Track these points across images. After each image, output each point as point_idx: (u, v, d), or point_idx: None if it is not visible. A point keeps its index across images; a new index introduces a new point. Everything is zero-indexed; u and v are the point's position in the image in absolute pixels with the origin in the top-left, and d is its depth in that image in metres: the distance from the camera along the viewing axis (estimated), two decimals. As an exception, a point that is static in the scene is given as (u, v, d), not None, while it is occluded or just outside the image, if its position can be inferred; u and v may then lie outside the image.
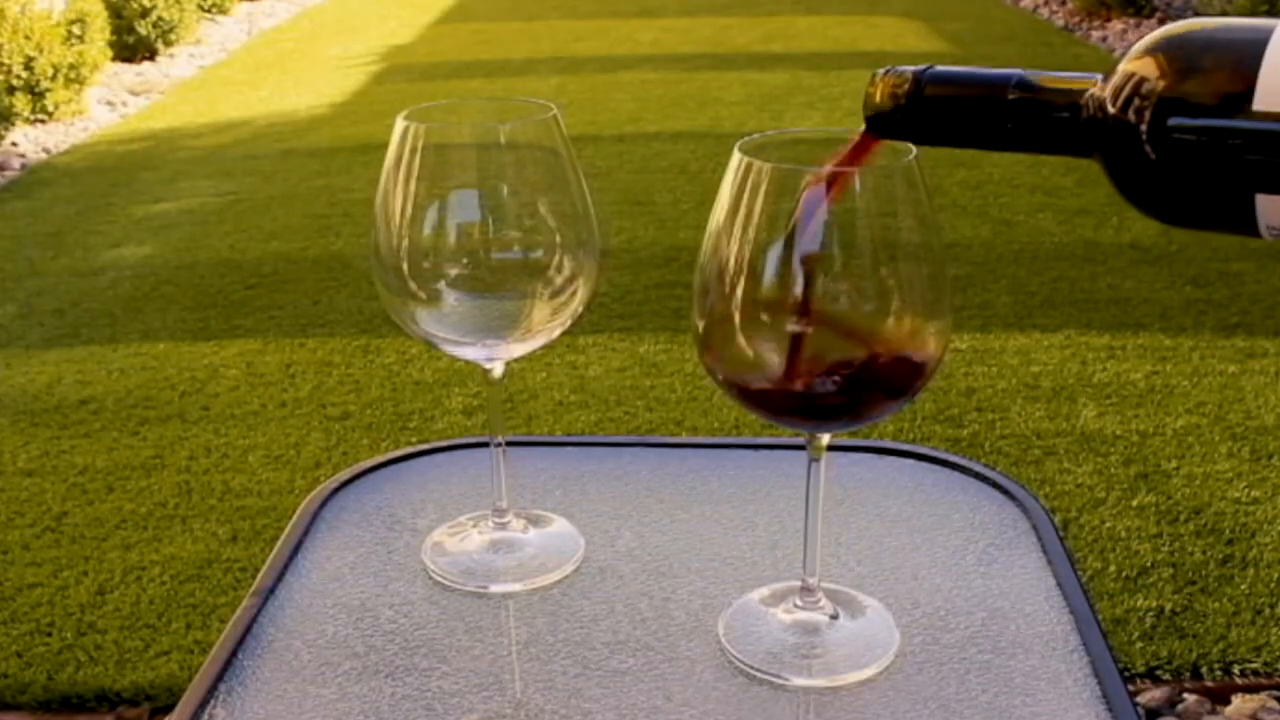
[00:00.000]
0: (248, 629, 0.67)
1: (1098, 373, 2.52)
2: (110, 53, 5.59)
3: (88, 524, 2.10)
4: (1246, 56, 0.44)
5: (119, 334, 2.88)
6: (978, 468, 0.81)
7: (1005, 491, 0.78)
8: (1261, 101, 0.44)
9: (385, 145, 0.64)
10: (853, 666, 0.63)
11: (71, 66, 4.91)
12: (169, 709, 1.65)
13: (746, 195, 0.56)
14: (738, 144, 0.57)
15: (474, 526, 0.75)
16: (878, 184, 0.55)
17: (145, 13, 5.98)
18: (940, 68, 0.55)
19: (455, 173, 0.65)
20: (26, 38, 4.69)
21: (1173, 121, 0.46)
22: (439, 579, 0.71)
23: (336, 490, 0.81)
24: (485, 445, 0.74)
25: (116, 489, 2.21)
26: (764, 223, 0.55)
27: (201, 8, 6.92)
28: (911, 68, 0.55)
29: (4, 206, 3.95)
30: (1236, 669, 1.70)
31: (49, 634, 1.82)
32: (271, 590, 0.71)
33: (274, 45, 6.71)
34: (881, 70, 0.57)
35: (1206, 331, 2.69)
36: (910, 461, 0.82)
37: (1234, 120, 0.45)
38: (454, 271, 0.65)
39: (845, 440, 0.83)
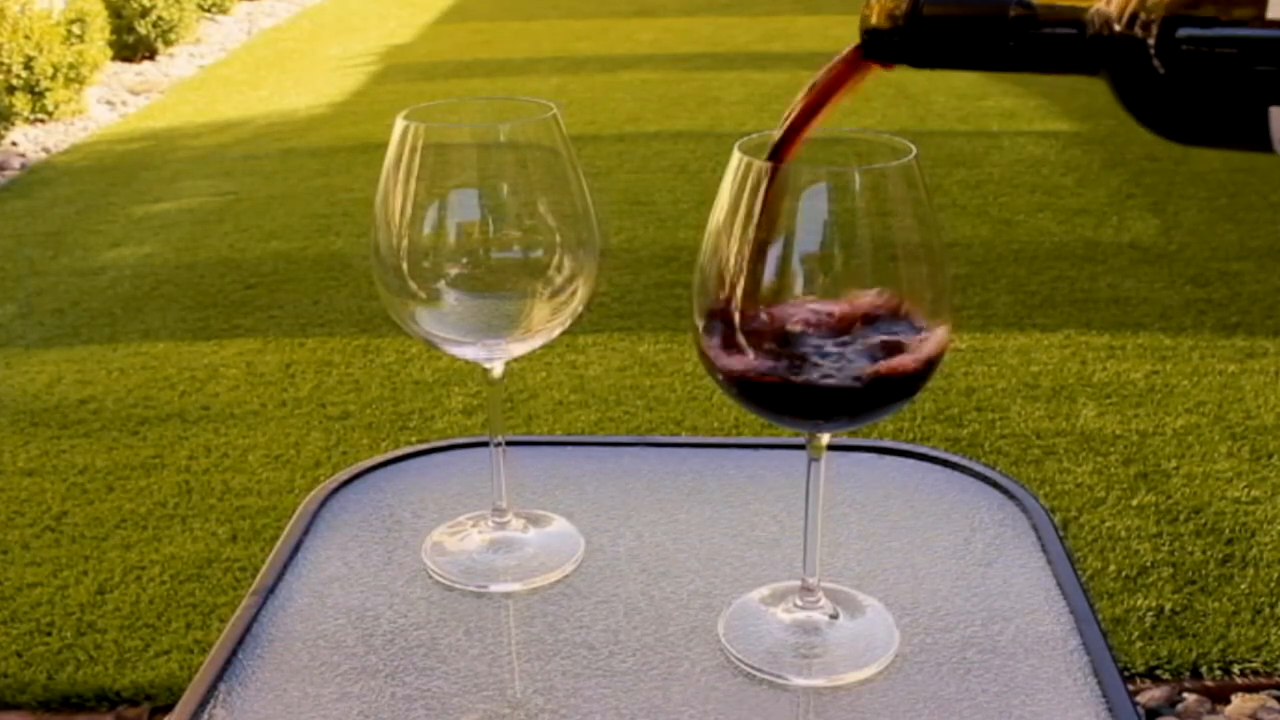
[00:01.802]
0: (248, 629, 0.67)
1: (1098, 372, 2.52)
2: (110, 52, 5.59)
3: (88, 524, 2.10)
4: None
5: (119, 334, 2.88)
6: (978, 468, 0.81)
7: (1005, 491, 0.78)
8: (1277, 9, 0.42)
9: (385, 145, 0.64)
10: (853, 666, 0.63)
11: (71, 66, 4.90)
12: (169, 709, 1.65)
13: (746, 195, 0.56)
14: (738, 144, 0.57)
15: (474, 526, 0.75)
16: (877, 184, 0.55)
17: (145, 12, 5.98)
18: None
19: (455, 172, 0.65)
20: (26, 37, 4.69)
21: (1182, 33, 0.44)
22: (439, 578, 0.71)
23: (336, 490, 0.81)
24: (485, 445, 0.74)
25: (116, 489, 2.21)
26: (764, 222, 0.55)
27: (201, 7, 6.92)
28: None
29: (4, 206, 3.94)
30: (1236, 668, 1.70)
31: (49, 634, 1.83)
32: (271, 590, 0.71)
33: (274, 45, 6.71)
34: None
35: (1206, 331, 2.69)
36: (910, 461, 0.82)
37: (1246, 30, 0.42)
38: (454, 271, 0.65)
39: (845, 440, 0.83)
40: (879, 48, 0.54)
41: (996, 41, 0.51)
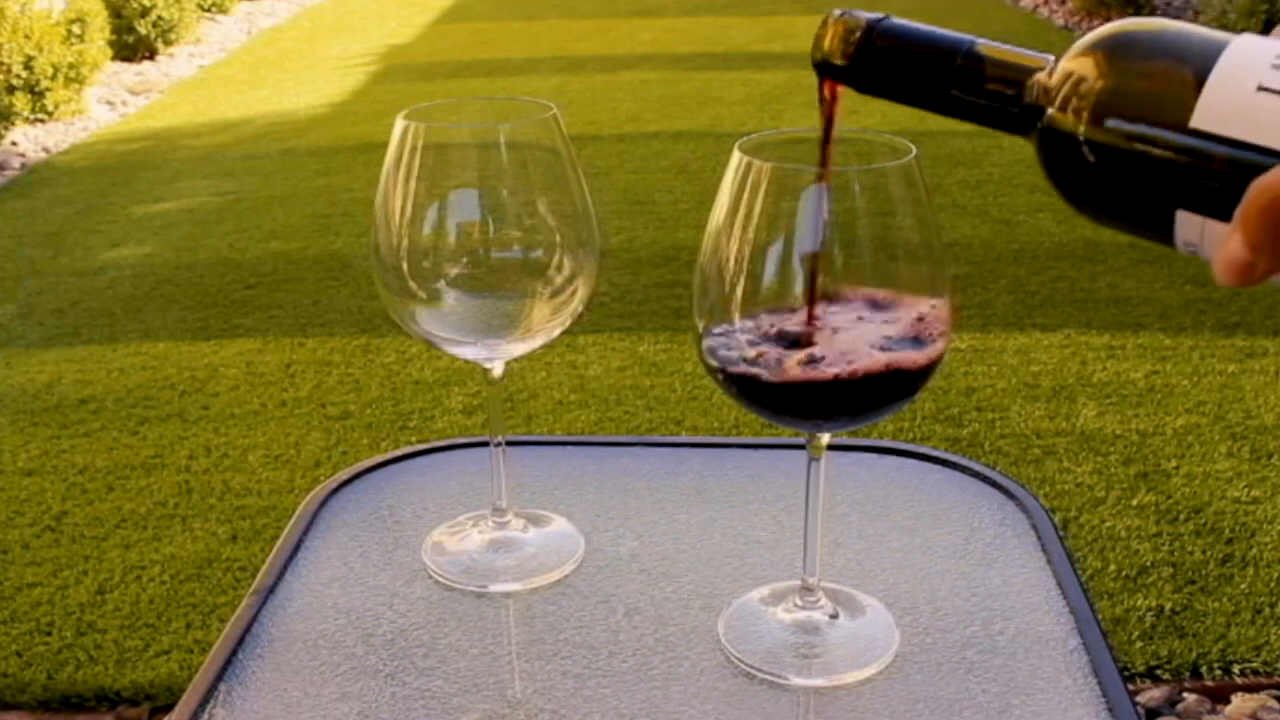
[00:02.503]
0: (248, 629, 0.67)
1: (1098, 372, 2.52)
2: (110, 52, 5.59)
3: (88, 524, 2.10)
4: (1193, 71, 0.43)
5: (119, 334, 2.88)
6: (978, 467, 0.81)
7: (1005, 491, 0.78)
8: (1199, 120, 0.43)
9: (385, 145, 0.64)
10: (852, 666, 0.63)
11: (71, 66, 4.90)
12: (169, 708, 1.65)
13: (746, 195, 0.56)
14: (737, 143, 0.57)
15: (474, 526, 0.75)
16: (877, 184, 0.55)
17: (145, 12, 5.98)
18: (896, 20, 0.53)
19: (455, 172, 0.65)
20: (26, 37, 4.69)
21: (1108, 124, 0.46)
22: (439, 578, 0.71)
23: (336, 490, 0.81)
24: (485, 445, 0.74)
25: (116, 489, 2.21)
26: (764, 222, 0.55)
27: (201, 7, 6.92)
28: (867, 14, 0.54)
29: (4, 206, 3.94)
30: (1236, 668, 1.70)
31: (49, 634, 1.82)
32: (271, 590, 0.70)
33: (274, 45, 6.71)
34: (836, 11, 0.55)
35: (1206, 331, 2.69)
36: (910, 461, 0.82)
37: (1169, 134, 0.44)
38: (454, 271, 0.65)
39: (845, 440, 0.83)
40: (829, 67, 0.55)
41: (938, 86, 0.52)
